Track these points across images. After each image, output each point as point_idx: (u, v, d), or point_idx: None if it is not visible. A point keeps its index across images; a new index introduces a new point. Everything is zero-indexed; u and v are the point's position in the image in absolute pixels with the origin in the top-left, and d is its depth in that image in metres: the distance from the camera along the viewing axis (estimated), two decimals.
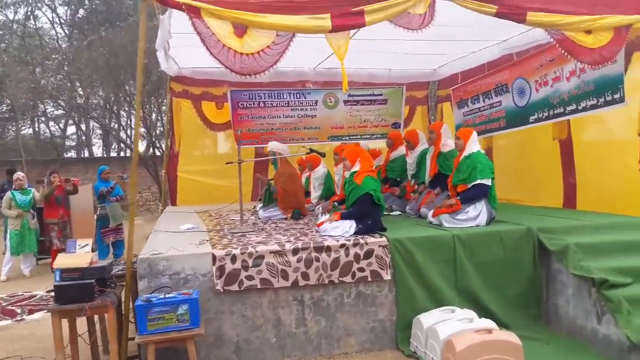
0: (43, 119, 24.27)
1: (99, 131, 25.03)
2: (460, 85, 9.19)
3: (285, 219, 6.24)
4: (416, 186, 6.42)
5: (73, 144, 27.28)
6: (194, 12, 4.24)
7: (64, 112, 22.53)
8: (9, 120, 23.58)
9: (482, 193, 5.03)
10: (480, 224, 5.00)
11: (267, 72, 4.60)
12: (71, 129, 26.30)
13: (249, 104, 9.38)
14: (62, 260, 3.85)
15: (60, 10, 24.74)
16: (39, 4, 23.97)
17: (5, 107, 22.75)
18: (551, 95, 6.70)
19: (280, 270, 4.22)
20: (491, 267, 4.73)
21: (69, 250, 3.96)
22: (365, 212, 4.79)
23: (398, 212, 6.41)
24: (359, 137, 9.76)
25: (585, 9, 5.17)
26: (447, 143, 5.93)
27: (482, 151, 5.29)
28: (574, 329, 4.52)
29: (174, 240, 4.67)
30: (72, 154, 26.43)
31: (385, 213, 6.30)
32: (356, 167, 5.01)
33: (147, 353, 3.64)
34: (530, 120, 7.23)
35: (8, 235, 8.20)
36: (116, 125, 22.50)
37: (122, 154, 23.96)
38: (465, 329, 3.93)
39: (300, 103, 9.60)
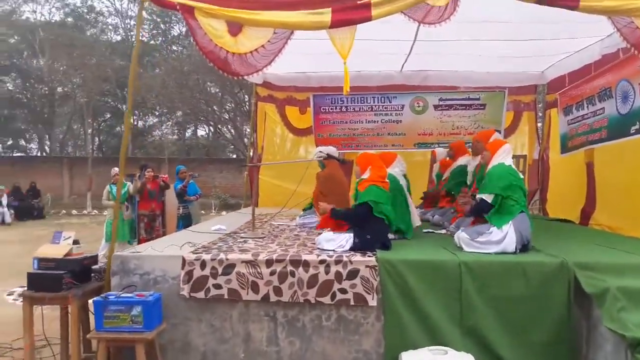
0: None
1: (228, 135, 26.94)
2: (567, 89, 8.01)
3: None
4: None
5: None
6: (188, 12, 4.20)
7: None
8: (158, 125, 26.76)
9: (479, 209, 4.30)
10: (506, 250, 4.17)
11: (259, 73, 4.39)
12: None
13: (331, 109, 9.22)
14: (45, 250, 4.04)
15: None
16: None
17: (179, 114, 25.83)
18: None
19: (251, 282, 3.94)
20: (509, 306, 3.90)
21: (54, 240, 4.14)
22: (360, 223, 4.31)
23: (444, 231, 5.68)
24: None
25: None
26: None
27: (508, 164, 4.43)
28: None
29: (185, 239, 4.71)
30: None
31: (428, 230, 5.72)
32: (365, 175, 4.55)
33: (98, 350, 3.64)
34: (632, 131, 5.98)
35: (104, 224, 9.05)
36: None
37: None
38: None
39: (385, 107, 9.17)
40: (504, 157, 4.41)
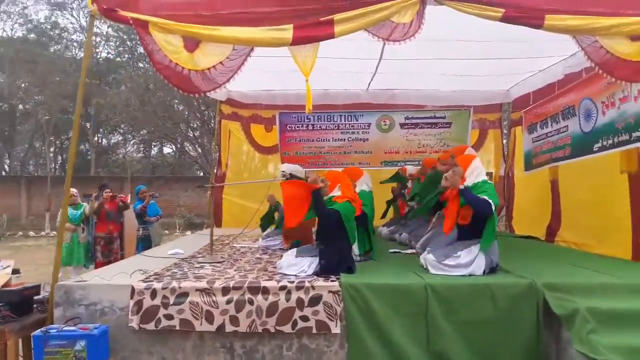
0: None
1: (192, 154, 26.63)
2: (531, 107, 8.09)
3: (282, 249, 5.68)
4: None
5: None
6: (141, 26, 3.99)
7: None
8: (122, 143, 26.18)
9: (480, 203, 4.03)
10: (474, 273, 4.04)
11: (218, 90, 4.20)
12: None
13: (297, 127, 9.08)
14: None
15: None
16: None
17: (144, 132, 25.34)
18: (616, 119, 5.48)
19: (205, 312, 3.68)
20: (478, 330, 3.75)
21: None
22: (325, 220, 4.21)
23: (411, 251, 5.53)
24: (417, 163, 8.93)
25: (629, 8, 4.11)
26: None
27: (490, 182, 4.33)
28: None
29: (137, 266, 4.41)
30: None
31: (395, 250, 5.58)
32: (337, 192, 4.38)
33: None
34: (595, 149, 6.00)
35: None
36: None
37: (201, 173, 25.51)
38: None
39: (352, 126, 9.08)
40: (479, 172, 4.27)
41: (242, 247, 5.94)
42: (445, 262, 4.12)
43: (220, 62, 4.09)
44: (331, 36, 4.05)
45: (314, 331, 3.70)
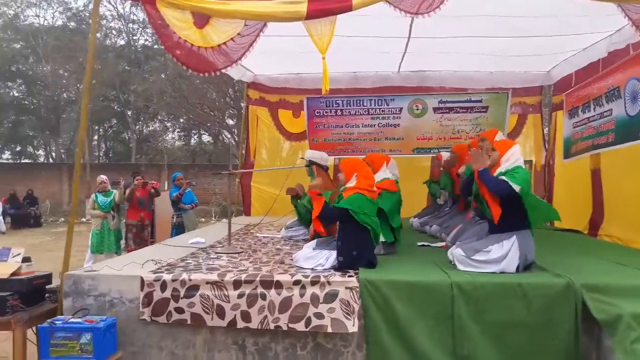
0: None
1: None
2: (573, 90, 7.53)
3: (306, 240, 5.44)
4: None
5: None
6: (149, 2, 3.80)
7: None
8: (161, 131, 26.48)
9: (499, 184, 3.71)
10: (506, 270, 3.71)
11: (229, 68, 3.98)
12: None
13: (326, 112, 8.78)
14: None
15: None
16: None
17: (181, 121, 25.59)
18: None
19: (216, 306, 3.51)
20: (508, 333, 3.44)
21: (1, 258, 3.74)
22: (327, 223, 4.06)
23: (441, 244, 5.20)
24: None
25: None
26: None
27: (524, 168, 3.95)
28: None
29: (154, 255, 4.32)
30: None
31: (423, 243, 5.28)
32: (351, 183, 4.09)
33: None
34: None
35: (90, 234, 8.66)
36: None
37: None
38: None
39: (382, 111, 8.71)
40: (516, 159, 3.88)
41: (265, 236, 5.76)
42: (474, 257, 3.79)
43: (232, 39, 3.88)
44: (349, 9, 3.77)
45: (329, 330, 3.46)
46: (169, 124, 30.01)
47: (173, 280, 3.55)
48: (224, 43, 3.84)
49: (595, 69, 6.67)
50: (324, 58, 3.97)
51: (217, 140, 25.65)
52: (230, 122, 23.81)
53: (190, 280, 3.55)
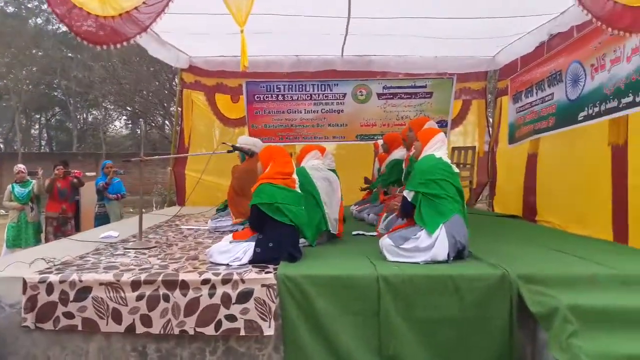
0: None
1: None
2: (517, 75, 7.43)
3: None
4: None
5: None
6: None
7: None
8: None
9: (403, 209, 3.67)
10: (436, 258, 3.42)
11: (130, 41, 3.50)
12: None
13: (266, 97, 8.37)
14: None
15: None
16: None
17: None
18: (606, 83, 4.82)
19: (112, 309, 3.06)
20: (438, 330, 3.15)
21: None
22: (258, 228, 3.54)
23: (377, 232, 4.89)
24: None
25: None
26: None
27: (438, 156, 3.66)
28: None
29: (51, 252, 3.80)
30: None
31: (358, 232, 4.97)
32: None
33: None
34: (579, 118, 5.38)
35: (5, 228, 7.98)
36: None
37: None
38: None
39: (325, 96, 8.38)
40: (436, 147, 3.64)
41: (189, 228, 5.31)
42: (403, 245, 3.49)
43: (136, 8, 3.40)
44: None
45: (242, 333, 3.08)
46: (113, 113, 28.83)
47: (61, 282, 3.08)
48: (128, 12, 3.35)
49: (540, 55, 6.55)
50: (242, 31, 3.56)
51: (163, 129, 24.72)
52: (165, 109, 23.02)
53: (81, 281, 3.09)
